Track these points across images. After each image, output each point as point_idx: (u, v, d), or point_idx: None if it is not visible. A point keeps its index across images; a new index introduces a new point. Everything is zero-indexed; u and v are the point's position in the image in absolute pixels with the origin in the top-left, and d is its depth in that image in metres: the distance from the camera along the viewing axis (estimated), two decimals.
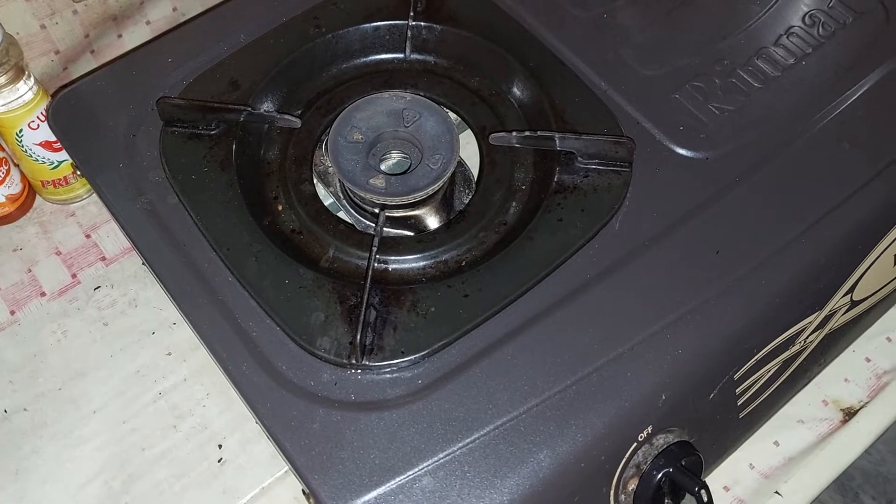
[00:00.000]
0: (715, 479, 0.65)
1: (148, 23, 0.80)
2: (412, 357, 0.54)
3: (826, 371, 0.68)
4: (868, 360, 0.71)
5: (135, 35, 0.80)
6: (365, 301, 0.54)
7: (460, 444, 0.51)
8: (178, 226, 0.60)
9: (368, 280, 0.55)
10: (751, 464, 0.66)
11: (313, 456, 0.51)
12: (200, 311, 0.57)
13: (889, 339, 0.72)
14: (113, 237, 0.73)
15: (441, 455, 0.51)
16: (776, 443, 0.67)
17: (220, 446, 0.64)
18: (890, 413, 0.68)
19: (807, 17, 0.70)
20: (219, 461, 0.63)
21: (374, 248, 0.57)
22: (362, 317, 0.53)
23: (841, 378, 0.70)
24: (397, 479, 0.50)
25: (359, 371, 0.54)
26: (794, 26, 0.69)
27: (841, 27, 0.69)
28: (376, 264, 0.58)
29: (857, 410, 0.68)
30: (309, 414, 0.52)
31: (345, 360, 0.53)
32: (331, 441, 0.51)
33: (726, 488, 0.65)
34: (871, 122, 0.64)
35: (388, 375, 0.54)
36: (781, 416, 0.67)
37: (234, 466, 0.63)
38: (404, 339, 0.54)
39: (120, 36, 0.79)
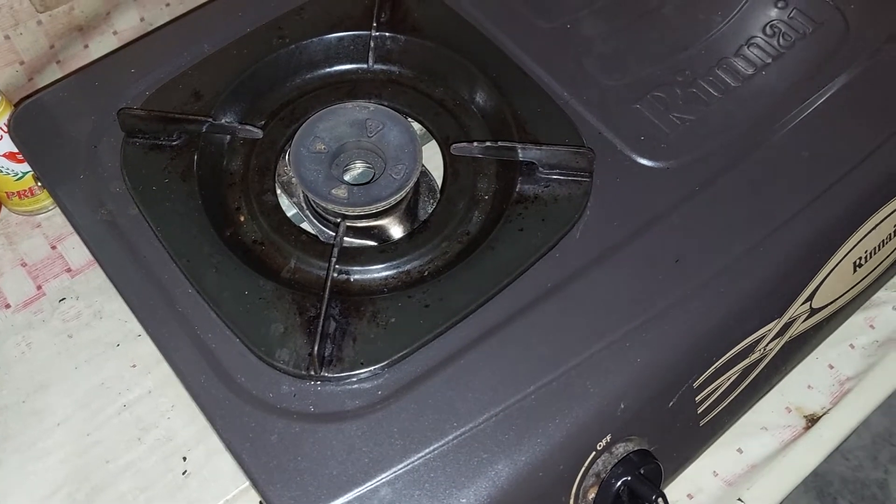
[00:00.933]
0: (679, 487, 0.65)
1: (115, 33, 0.80)
2: (372, 368, 0.54)
3: (789, 378, 0.69)
4: (831, 366, 0.71)
5: (101, 45, 0.80)
6: (323, 312, 0.54)
7: (419, 455, 0.51)
8: (139, 237, 0.60)
9: (327, 291, 0.55)
10: (714, 471, 0.66)
11: (271, 468, 0.51)
12: (159, 322, 0.56)
13: (852, 346, 0.72)
14: (79, 248, 0.73)
15: (400, 466, 0.51)
16: (739, 450, 0.67)
17: (184, 458, 0.64)
18: (852, 419, 0.69)
19: (767, 27, 0.71)
20: (183, 473, 0.63)
21: (334, 259, 0.57)
22: (320, 328, 0.53)
23: (804, 385, 0.70)
24: (356, 491, 0.50)
25: (318, 382, 0.54)
26: (754, 36, 0.70)
27: (801, 37, 0.70)
28: (337, 275, 0.58)
29: (820, 417, 0.69)
30: (267, 426, 0.52)
31: (304, 372, 0.53)
32: (289, 453, 0.51)
33: (690, 496, 0.65)
34: (830, 131, 0.65)
35: (347, 387, 0.54)
36: (745, 423, 0.67)
37: (198, 479, 0.63)
38: (364, 350, 0.54)
39: (86, 46, 0.79)
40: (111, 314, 0.70)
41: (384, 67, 0.70)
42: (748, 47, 0.69)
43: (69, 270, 0.73)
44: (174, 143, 0.63)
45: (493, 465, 0.51)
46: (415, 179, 0.61)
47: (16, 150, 0.69)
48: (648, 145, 0.64)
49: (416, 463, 0.51)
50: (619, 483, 0.54)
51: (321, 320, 0.53)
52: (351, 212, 0.60)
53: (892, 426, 1.54)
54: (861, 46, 0.69)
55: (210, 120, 0.63)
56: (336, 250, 0.57)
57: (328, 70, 0.70)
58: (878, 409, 0.71)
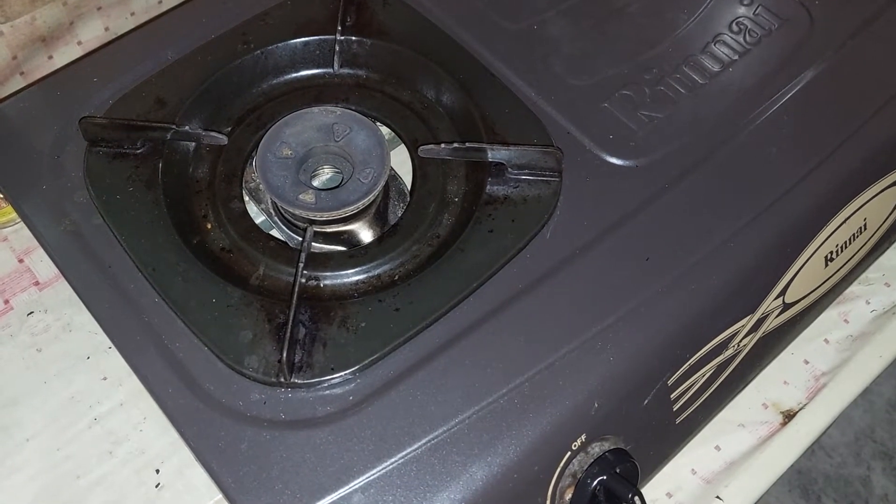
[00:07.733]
0: (658, 486, 0.65)
1: (79, 43, 0.79)
2: (342, 373, 0.53)
3: (765, 374, 0.69)
4: (806, 361, 0.71)
5: (65, 55, 0.78)
6: (291, 318, 0.53)
7: (392, 460, 0.51)
8: (104, 247, 0.59)
9: (295, 297, 0.54)
10: (693, 469, 0.66)
11: (241, 477, 0.50)
12: (126, 333, 0.56)
13: (826, 341, 0.72)
14: (47, 261, 0.72)
15: (372, 472, 0.51)
16: (717, 447, 0.67)
17: (157, 471, 0.63)
18: (828, 414, 0.69)
19: (733, 24, 0.71)
20: (157, 486, 0.62)
21: (301, 265, 0.56)
22: (288, 334, 0.52)
23: (780, 381, 0.70)
24: (328, 498, 0.50)
25: (288, 389, 0.53)
26: (721, 33, 0.70)
27: (766, 34, 0.70)
28: (306, 281, 0.58)
29: (797, 413, 0.69)
30: (237, 434, 0.51)
31: (273, 379, 0.53)
32: (259, 461, 0.51)
33: (669, 495, 0.65)
34: (798, 126, 0.65)
35: (318, 393, 0.53)
36: (722, 421, 0.67)
37: (172, 491, 0.62)
38: (334, 355, 0.54)
39: (50, 57, 0.78)
40: (80, 326, 0.69)
41: (350, 71, 0.69)
42: (715, 44, 0.70)
43: (37, 283, 0.71)
44: (138, 151, 0.62)
45: (467, 469, 0.51)
46: (383, 183, 0.61)
47: None
48: (617, 144, 0.64)
49: (389, 468, 0.51)
50: (595, 482, 0.54)
51: (289, 326, 0.53)
52: (319, 217, 0.60)
53: (873, 423, 1.55)
54: (826, 42, 0.70)
55: (174, 127, 0.62)
56: (303, 255, 0.57)
57: (294, 75, 0.69)
58: (860, 405, 0.71)
